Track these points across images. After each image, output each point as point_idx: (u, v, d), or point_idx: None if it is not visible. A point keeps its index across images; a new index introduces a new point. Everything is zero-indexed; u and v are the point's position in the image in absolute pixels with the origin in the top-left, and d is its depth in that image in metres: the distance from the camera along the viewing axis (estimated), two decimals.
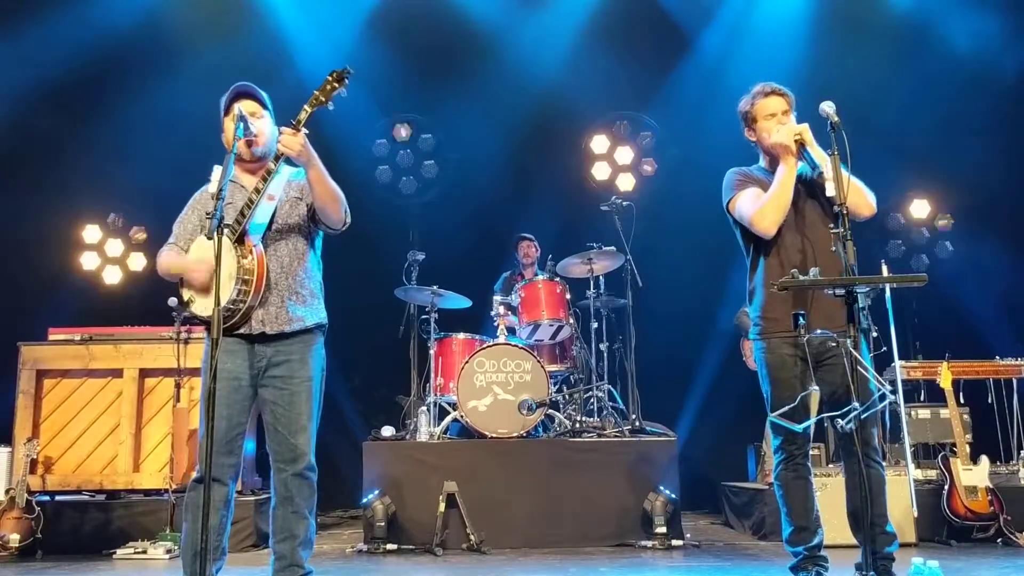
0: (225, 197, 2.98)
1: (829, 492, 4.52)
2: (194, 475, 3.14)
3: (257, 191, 3.16)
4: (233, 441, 3.16)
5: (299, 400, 3.20)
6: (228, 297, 3.06)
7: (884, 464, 3.40)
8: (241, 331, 3.17)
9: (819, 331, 3.25)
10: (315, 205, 3.27)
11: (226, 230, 3.08)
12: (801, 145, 3.36)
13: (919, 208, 8.04)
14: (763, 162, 3.65)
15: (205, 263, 3.11)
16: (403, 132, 8.37)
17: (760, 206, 3.43)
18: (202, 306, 3.18)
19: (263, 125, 3.31)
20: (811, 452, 3.51)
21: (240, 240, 3.13)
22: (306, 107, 3.16)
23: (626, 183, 8.25)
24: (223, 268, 2.97)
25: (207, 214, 2.94)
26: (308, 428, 3.22)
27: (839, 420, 3.03)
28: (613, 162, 8.35)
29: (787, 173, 3.41)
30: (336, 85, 3.18)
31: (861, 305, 3.06)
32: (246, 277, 3.10)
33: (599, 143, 8.36)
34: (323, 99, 3.18)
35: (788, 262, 3.37)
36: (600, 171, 8.34)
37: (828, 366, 3.35)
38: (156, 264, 3.35)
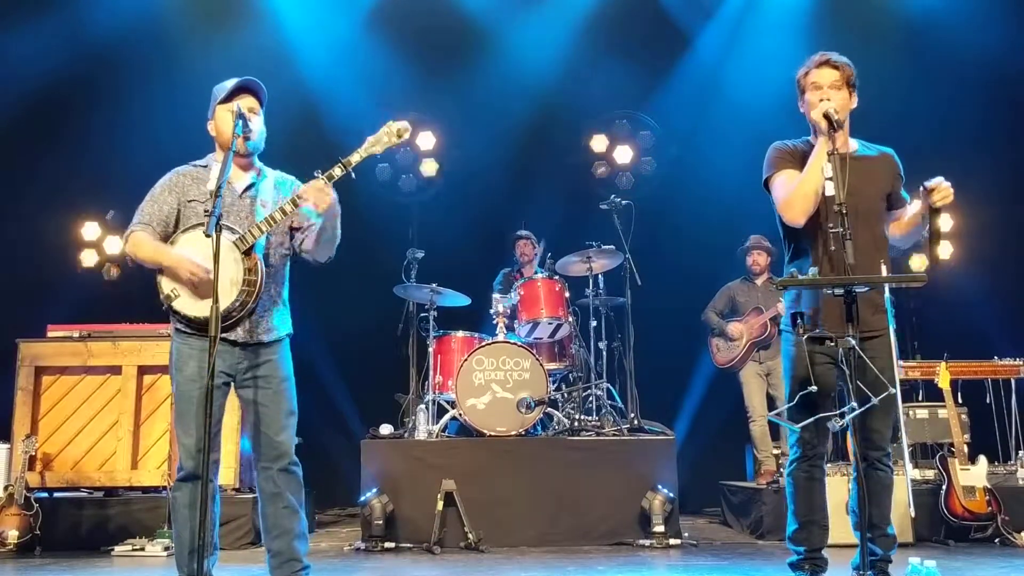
0: (223, 194, 2.98)
1: (828, 491, 4.50)
2: (178, 475, 3.14)
3: (283, 212, 3.15)
4: (216, 438, 3.21)
5: (281, 398, 3.25)
6: (226, 306, 3.06)
7: (893, 468, 3.37)
8: (226, 336, 3.16)
9: (818, 331, 3.23)
10: (311, 246, 3.29)
11: (236, 239, 3.10)
12: (830, 124, 3.09)
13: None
14: (812, 136, 3.36)
15: (203, 269, 3.05)
16: None
17: (788, 194, 3.23)
18: (191, 306, 3.13)
19: (258, 122, 3.32)
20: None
21: (247, 252, 3.14)
22: (360, 152, 3.17)
23: (625, 182, 8.25)
24: (226, 273, 2.97)
25: (205, 212, 2.93)
26: (290, 426, 3.27)
27: (836, 419, 3.01)
28: (612, 161, 8.35)
29: (817, 156, 3.18)
30: (396, 141, 3.21)
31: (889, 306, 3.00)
32: (248, 289, 3.12)
33: (598, 142, 8.35)
34: (378, 150, 3.21)
35: (819, 254, 3.20)
36: (599, 170, 8.34)
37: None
38: (131, 245, 3.20)
